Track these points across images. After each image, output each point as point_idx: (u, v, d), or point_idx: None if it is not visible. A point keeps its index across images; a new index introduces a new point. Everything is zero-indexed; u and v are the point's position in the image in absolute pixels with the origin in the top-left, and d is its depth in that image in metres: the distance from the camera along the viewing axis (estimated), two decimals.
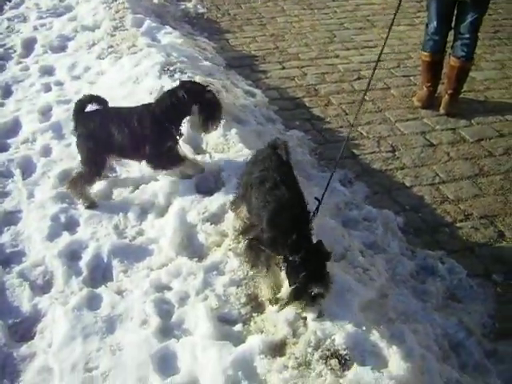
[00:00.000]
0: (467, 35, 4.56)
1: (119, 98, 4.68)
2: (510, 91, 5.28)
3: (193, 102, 3.39)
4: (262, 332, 2.68)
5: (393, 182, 4.05)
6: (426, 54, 4.82)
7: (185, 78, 4.51)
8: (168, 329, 2.77)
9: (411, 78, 5.45)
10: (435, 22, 4.62)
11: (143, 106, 3.46)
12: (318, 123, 4.69)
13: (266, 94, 5.05)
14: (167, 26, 6.00)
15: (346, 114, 4.81)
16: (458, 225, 3.70)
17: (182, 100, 3.35)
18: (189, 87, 3.40)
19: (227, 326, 2.75)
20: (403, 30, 6.56)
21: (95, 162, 3.45)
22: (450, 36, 4.72)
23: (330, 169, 4.06)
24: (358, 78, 5.39)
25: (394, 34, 6.39)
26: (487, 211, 3.82)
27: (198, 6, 7.21)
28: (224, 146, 3.87)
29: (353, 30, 6.49)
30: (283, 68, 5.62)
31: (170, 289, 2.98)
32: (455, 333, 2.93)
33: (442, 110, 4.83)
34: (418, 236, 3.60)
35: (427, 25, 4.73)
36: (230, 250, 3.07)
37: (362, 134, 4.56)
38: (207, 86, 3.50)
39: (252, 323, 2.74)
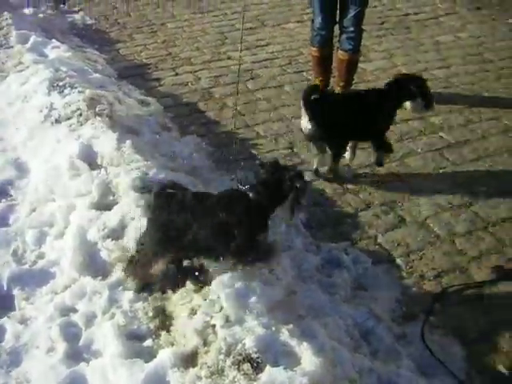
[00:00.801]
0: (352, 28, 4.65)
1: (9, 118, 4.53)
2: None
3: None
4: (172, 344, 2.62)
5: None
6: (314, 49, 4.89)
7: (75, 92, 4.40)
8: (76, 353, 2.67)
9: (304, 73, 5.52)
10: (320, 18, 4.69)
11: None
12: (215, 127, 4.67)
13: (161, 102, 4.98)
14: (54, 40, 5.83)
15: (242, 115, 4.80)
16: (360, 214, 3.76)
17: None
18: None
19: (137, 342, 2.67)
20: (293, 27, 6.65)
21: None
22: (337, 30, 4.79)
23: (228, 172, 4.04)
24: (252, 78, 5.40)
25: (284, 32, 6.49)
26: (387, 198, 3.90)
27: (86, 18, 7.07)
28: (119, 159, 3.77)
29: (244, 31, 6.47)
30: (176, 74, 5.56)
31: (75, 311, 2.87)
32: (365, 321, 2.96)
33: None
34: (321, 230, 3.62)
35: (313, 20, 4.79)
36: None
37: (258, 133, 4.57)
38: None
39: (162, 337, 2.67)
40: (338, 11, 4.70)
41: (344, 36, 4.74)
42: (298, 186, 2.77)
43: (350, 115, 3.82)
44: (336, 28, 4.79)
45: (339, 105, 3.93)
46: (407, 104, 4.01)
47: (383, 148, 4.06)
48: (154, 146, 4.17)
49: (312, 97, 3.73)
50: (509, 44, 6.26)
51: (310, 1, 4.76)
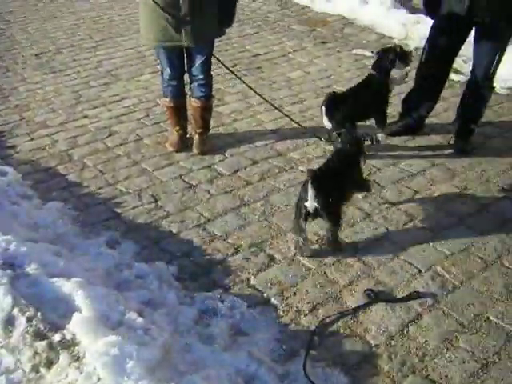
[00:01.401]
0: (201, 76, 4.73)
1: None
2: (255, 119, 5.57)
3: None
4: None
5: (160, 233, 4.03)
6: (167, 100, 4.92)
7: None
8: None
9: (161, 124, 5.52)
10: (168, 69, 4.73)
11: None
12: (77, 189, 4.55)
13: (19, 170, 4.79)
14: None
15: (103, 174, 4.72)
16: (230, 259, 3.77)
17: None
18: None
19: None
20: (148, 78, 6.65)
21: None
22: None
23: (94, 234, 3.95)
24: (110, 135, 5.34)
25: (140, 84, 6.47)
26: (255, 239, 3.94)
27: None
28: None
29: (98, 87, 6.44)
30: (32, 139, 5.39)
31: None
32: (247, 367, 2.94)
33: (195, 150, 4.94)
34: (194, 280, 3.60)
35: (162, 72, 4.83)
36: None
37: (121, 190, 4.50)
38: None
39: None
40: (185, 60, 4.75)
41: (195, 84, 4.81)
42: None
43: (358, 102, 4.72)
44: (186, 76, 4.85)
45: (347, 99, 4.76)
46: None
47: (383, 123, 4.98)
48: (13, 217, 4.01)
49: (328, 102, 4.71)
50: (355, 73, 6.58)
51: (157, 53, 4.78)
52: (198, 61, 4.66)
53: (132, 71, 6.79)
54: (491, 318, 3.30)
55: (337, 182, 3.69)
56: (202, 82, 4.76)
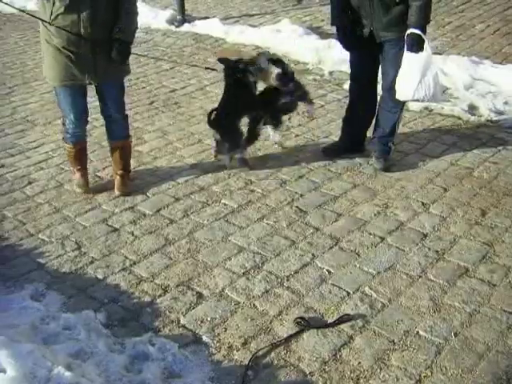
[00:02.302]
0: (116, 116, 4.75)
1: None
2: (175, 155, 5.57)
3: None
4: None
5: (86, 280, 3.95)
6: (71, 146, 4.91)
7: None
8: None
9: None
10: (72, 116, 4.69)
11: None
12: None
13: None
14: None
15: (24, 224, 4.61)
16: (158, 301, 3.72)
17: None
18: None
19: None
20: None
21: None
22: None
23: (17, 288, 3.85)
24: (29, 183, 5.22)
25: (57, 128, 6.31)
26: (182, 278, 3.92)
27: None
28: None
29: (14, 134, 6.29)
30: None
31: None
32: None
33: (117, 192, 4.90)
34: (123, 326, 3.54)
35: (64, 121, 4.80)
36: None
37: (43, 240, 4.39)
38: None
39: None
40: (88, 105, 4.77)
41: (111, 125, 4.83)
42: None
43: None
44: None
45: None
46: None
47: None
48: None
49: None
50: None
51: (59, 102, 4.73)
52: (109, 100, 4.66)
53: (49, 116, 6.68)
54: (420, 332, 3.38)
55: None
56: (118, 122, 4.75)
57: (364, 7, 4.75)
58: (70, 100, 4.63)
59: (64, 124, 4.82)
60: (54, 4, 4.27)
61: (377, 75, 5.20)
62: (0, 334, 3.10)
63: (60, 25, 4.31)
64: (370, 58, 5.01)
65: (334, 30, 5.24)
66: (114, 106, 4.70)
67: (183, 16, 10.08)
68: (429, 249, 4.11)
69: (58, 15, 4.29)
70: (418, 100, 4.87)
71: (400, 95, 4.80)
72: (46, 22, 4.37)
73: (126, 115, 4.84)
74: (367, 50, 4.92)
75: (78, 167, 4.97)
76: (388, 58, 4.88)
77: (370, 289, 3.75)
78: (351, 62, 5.23)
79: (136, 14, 4.55)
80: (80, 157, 4.99)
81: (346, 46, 5.09)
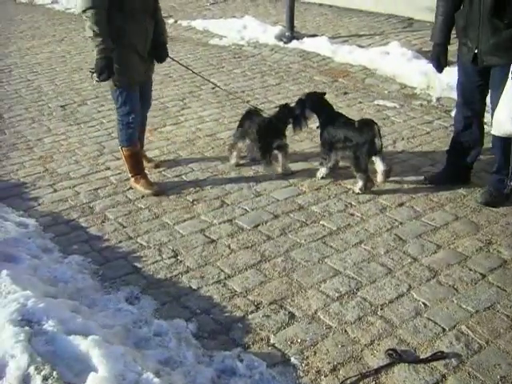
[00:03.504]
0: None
1: None
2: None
3: None
4: None
5: (180, 288, 4.00)
6: (130, 148, 5.25)
7: None
8: None
9: (183, 176, 5.56)
10: (134, 114, 5.10)
11: None
12: (97, 243, 4.56)
13: (40, 222, 4.84)
14: None
15: (124, 227, 4.73)
16: (250, 317, 3.71)
17: None
18: None
19: None
20: (170, 129, 6.72)
21: None
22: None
23: (114, 289, 3.94)
24: (131, 188, 5.36)
25: (162, 135, 6.53)
26: (275, 296, 3.89)
27: None
28: None
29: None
30: (55, 191, 5.44)
31: None
32: None
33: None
34: (213, 338, 3.55)
35: (124, 118, 5.12)
36: None
37: (142, 244, 4.49)
38: None
39: None
40: None
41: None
42: None
43: None
44: None
45: None
46: None
47: None
48: (33, 271, 4.02)
49: None
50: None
51: (125, 99, 5.02)
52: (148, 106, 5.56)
53: (155, 122, 6.85)
54: None
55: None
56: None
57: (473, 28, 4.53)
58: (135, 100, 5.12)
59: (125, 120, 5.15)
60: None
61: (483, 103, 4.95)
62: (96, 333, 3.17)
63: None
64: (474, 84, 4.81)
65: None
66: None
67: (292, 33, 10.12)
68: None
69: None
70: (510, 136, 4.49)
71: (495, 129, 4.52)
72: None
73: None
74: (473, 76, 4.75)
75: (142, 169, 5.37)
76: (494, 86, 4.65)
77: (467, 327, 3.58)
78: (458, 88, 5.02)
79: None
80: (140, 160, 5.44)
81: (438, 67, 4.92)
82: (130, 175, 5.35)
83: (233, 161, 5.67)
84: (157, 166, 5.75)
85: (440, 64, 4.89)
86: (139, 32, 4.87)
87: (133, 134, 5.16)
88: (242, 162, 5.77)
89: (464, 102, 4.97)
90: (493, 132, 4.58)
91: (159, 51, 5.22)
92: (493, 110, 4.65)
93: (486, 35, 4.47)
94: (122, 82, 4.92)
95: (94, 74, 4.74)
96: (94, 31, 4.58)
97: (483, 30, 4.46)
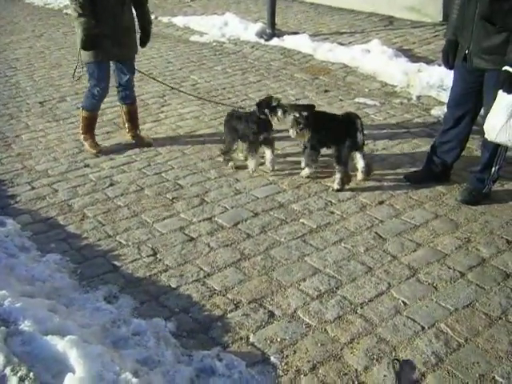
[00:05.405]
0: (129, 87, 6.09)
1: None
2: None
3: None
4: None
5: (159, 287, 3.97)
6: (88, 113, 6.06)
7: None
8: None
9: (163, 174, 5.52)
10: (103, 85, 5.84)
11: None
12: (75, 241, 4.51)
13: (18, 221, 4.78)
14: None
15: (103, 225, 4.69)
16: (229, 315, 3.69)
17: None
18: None
19: None
20: (150, 127, 6.69)
21: None
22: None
23: (92, 288, 3.90)
24: (111, 185, 5.32)
25: (142, 132, 6.47)
26: (255, 295, 3.88)
27: None
28: None
29: (100, 136, 6.43)
30: (33, 188, 5.37)
31: None
32: None
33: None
34: (192, 338, 3.52)
35: (93, 89, 5.85)
36: None
37: (121, 243, 4.46)
38: None
39: None
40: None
41: (124, 93, 6.08)
42: None
43: None
44: None
45: None
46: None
47: None
48: (10, 270, 3.97)
49: None
50: None
51: (92, 72, 5.76)
52: (126, 77, 5.98)
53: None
54: (497, 377, 3.20)
55: None
56: (131, 91, 6.14)
57: (467, 28, 4.55)
58: (103, 71, 5.83)
59: (93, 90, 5.88)
60: None
61: (476, 105, 4.91)
62: (74, 333, 3.13)
63: None
64: (468, 85, 4.81)
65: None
66: (129, 83, 6.10)
67: (273, 30, 10.12)
68: (511, 289, 3.91)
69: None
70: (499, 143, 4.53)
71: (488, 135, 4.48)
72: None
73: (133, 85, 6.24)
74: (467, 77, 4.76)
75: (92, 133, 6.17)
76: (487, 90, 4.65)
77: (447, 326, 3.59)
78: (452, 88, 5.03)
79: None
80: (94, 124, 6.21)
81: (446, 62, 4.91)
82: (80, 131, 6.23)
83: (230, 163, 5.65)
84: (149, 145, 6.23)
85: (448, 60, 4.89)
86: (108, 19, 5.50)
87: (95, 104, 5.98)
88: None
89: (456, 103, 4.96)
90: (486, 137, 4.58)
91: (143, 37, 6.01)
92: (485, 113, 4.66)
93: (477, 38, 4.49)
94: (88, 58, 5.66)
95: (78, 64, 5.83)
96: (78, 13, 5.32)
97: (475, 32, 4.49)
